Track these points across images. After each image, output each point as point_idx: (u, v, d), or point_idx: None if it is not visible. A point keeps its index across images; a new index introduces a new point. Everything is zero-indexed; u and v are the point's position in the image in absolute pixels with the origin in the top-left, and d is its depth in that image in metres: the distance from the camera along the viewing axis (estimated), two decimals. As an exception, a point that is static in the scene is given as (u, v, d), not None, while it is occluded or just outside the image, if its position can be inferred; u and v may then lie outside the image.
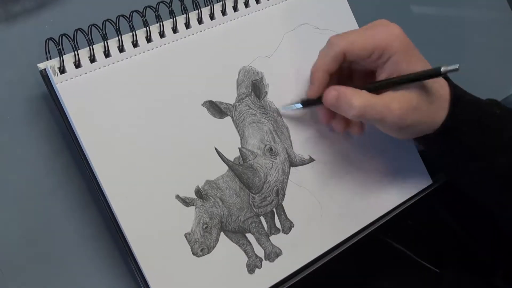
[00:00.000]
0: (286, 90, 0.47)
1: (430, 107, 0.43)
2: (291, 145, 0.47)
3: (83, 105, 0.40)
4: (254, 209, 0.45)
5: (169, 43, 0.43)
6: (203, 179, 0.43)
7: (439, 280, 0.56)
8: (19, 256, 0.41)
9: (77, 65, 0.40)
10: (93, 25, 0.40)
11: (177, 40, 0.44)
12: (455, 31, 0.64)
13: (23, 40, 0.43)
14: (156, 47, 0.43)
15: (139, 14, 0.42)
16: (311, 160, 0.48)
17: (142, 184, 0.41)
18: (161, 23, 0.43)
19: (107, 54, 0.41)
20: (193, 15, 0.44)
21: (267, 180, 0.45)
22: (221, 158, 0.44)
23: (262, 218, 0.45)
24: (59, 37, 0.39)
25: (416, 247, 0.56)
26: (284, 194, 0.46)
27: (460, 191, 0.50)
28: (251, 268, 0.44)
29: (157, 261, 0.41)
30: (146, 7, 0.42)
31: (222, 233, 0.44)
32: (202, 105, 0.44)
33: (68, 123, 0.40)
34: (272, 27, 0.48)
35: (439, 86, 0.43)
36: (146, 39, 0.42)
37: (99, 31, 0.40)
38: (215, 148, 0.44)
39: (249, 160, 0.45)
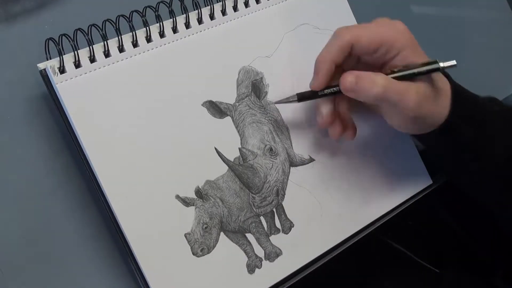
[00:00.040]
0: (286, 90, 0.47)
1: (437, 101, 0.43)
2: (291, 145, 0.47)
3: (83, 105, 0.40)
4: (254, 209, 0.45)
5: (169, 43, 0.43)
6: (203, 179, 0.43)
7: (439, 280, 0.56)
8: (19, 256, 0.41)
9: (77, 65, 0.40)
10: (93, 25, 0.40)
11: (177, 40, 0.44)
12: (455, 31, 0.64)
13: (23, 40, 0.43)
14: (156, 47, 0.43)
15: (139, 14, 0.42)
16: (311, 160, 0.48)
17: (142, 184, 0.41)
18: (161, 23, 0.43)
19: (107, 54, 0.41)
20: (193, 15, 0.44)
21: (267, 180, 0.45)
22: (221, 158, 0.44)
23: (262, 218, 0.45)
24: (59, 37, 0.39)
25: (416, 247, 0.56)
26: (284, 194, 0.46)
27: (460, 191, 0.50)
28: (251, 268, 0.44)
29: (157, 261, 0.41)
30: (146, 7, 0.42)
31: (222, 233, 0.44)
32: (202, 105, 0.44)
33: (68, 123, 0.40)
34: (272, 27, 0.48)
35: (443, 82, 0.44)
36: (146, 39, 0.42)
37: (99, 31, 0.40)
38: (215, 148, 0.44)
39: (249, 160, 0.45)
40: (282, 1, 0.48)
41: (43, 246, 0.41)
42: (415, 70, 0.42)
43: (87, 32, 0.40)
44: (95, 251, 0.43)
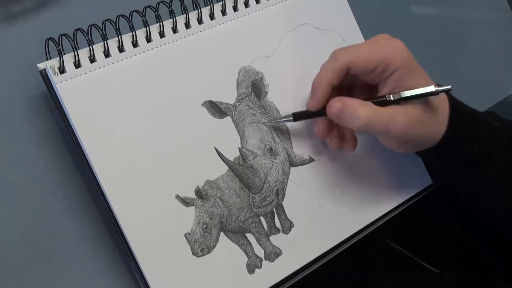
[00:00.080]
0: (286, 90, 0.47)
1: (432, 121, 0.43)
2: (291, 145, 0.47)
3: (83, 105, 0.40)
4: (254, 209, 0.45)
5: (169, 43, 0.43)
6: (203, 179, 0.43)
7: (439, 280, 0.56)
8: (19, 256, 0.41)
9: (77, 65, 0.40)
10: (93, 25, 0.40)
11: (177, 40, 0.44)
12: (455, 31, 0.64)
13: (23, 40, 0.43)
14: (156, 47, 0.43)
15: (139, 14, 0.42)
16: (311, 160, 0.48)
17: (142, 184, 0.41)
18: (161, 23, 0.43)
19: (107, 54, 0.41)
20: (193, 15, 0.44)
21: (267, 180, 0.45)
22: (221, 158, 0.44)
23: (262, 218, 0.45)
24: (59, 37, 0.39)
25: (416, 247, 0.56)
26: (284, 194, 0.46)
27: (460, 192, 0.50)
28: (251, 268, 0.44)
29: (157, 261, 0.41)
30: (146, 7, 0.42)
31: (222, 233, 0.44)
32: (202, 105, 0.44)
33: (68, 123, 0.40)
34: (272, 27, 0.48)
35: (440, 100, 0.44)
36: (146, 39, 0.42)
37: (99, 31, 0.40)
38: (215, 148, 0.44)
39: (249, 160, 0.45)
40: (282, 1, 0.48)
41: (43, 246, 0.41)
42: (408, 94, 0.42)
43: (87, 32, 0.40)
44: (95, 251, 0.43)
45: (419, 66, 0.43)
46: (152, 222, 0.41)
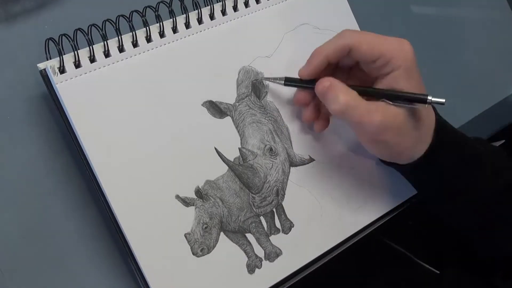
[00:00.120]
0: (286, 90, 0.47)
1: (413, 134, 0.42)
2: (291, 145, 0.47)
3: (83, 105, 0.40)
4: (254, 209, 0.45)
5: (169, 43, 0.43)
6: (203, 179, 0.43)
7: (439, 280, 0.56)
8: (19, 256, 0.41)
9: (77, 65, 0.40)
10: (93, 25, 0.40)
11: (177, 40, 0.43)
12: (455, 31, 0.64)
13: (23, 40, 0.43)
14: (156, 47, 0.43)
15: (139, 14, 0.42)
16: (311, 160, 0.48)
17: (142, 184, 0.41)
18: (161, 23, 0.43)
19: (107, 54, 0.41)
20: (193, 15, 0.44)
21: (267, 180, 0.45)
22: (221, 158, 0.44)
23: (262, 218, 0.45)
24: (59, 37, 0.39)
25: (416, 247, 0.56)
26: (284, 194, 0.46)
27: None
28: (251, 268, 0.44)
29: (157, 261, 0.41)
30: (146, 7, 0.42)
31: (222, 233, 0.44)
32: (202, 105, 0.44)
33: (68, 123, 0.40)
34: (272, 27, 0.48)
35: (427, 114, 0.43)
36: (146, 39, 0.42)
37: (99, 31, 0.40)
38: (215, 148, 0.44)
39: (249, 160, 0.45)
40: (282, 1, 0.48)
41: (43, 246, 0.41)
42: (401, 93, 0.41)
43: (87, 32, 0.40)
44: (95, 251, 0.43)
45: (419, 74, 0.43)
46: (152, 222, 0.41)
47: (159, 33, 0.43)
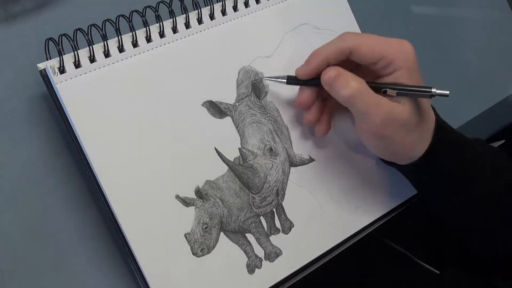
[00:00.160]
0: (286, 90, 0.47)
1: (416, 131, 0.43)
2: (291, 145, 0.47)
3: (83, 105, 0.40)
4: (254, 209, 0.45)
5: (169, 43, 0.43)
6: (203, 179, 0.43)
7: (439, 280, 0.56)
8: (19, 256, 0.41)
9: (77, 65, 0.40)
10: (93, 25, 0.40)
11: (177, 40, 0.43)
12: (455, 31, 0.64)
13: (23, 40, 0.43)
14: (156, 47, 0.43)
15: (139, 14, 0.42)
16: (311, 160, 0.48)
17: (142, 184, 0.41)
18: (161, 23, 0.43)
19: (107, 54, 0.41)
20: (193, 15, 0.44)
21: (267, 180, 0.45)
22: (221, 158, 0.44)
23: (262, 218, 0.45)
24: (59, 37, 0.39)
25: (416, 247, 0.56)
26: (284, 194, 0.46)
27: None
28: (251, 268, 0.44)
29: (157, 261, 0.41)
30: (146, 7, 0.42)
31: (222, 233, 0.44)
32: (202, 105, 0.44)
33: (68, 123, 0.40)
34: (272, 27, 0.48)
35: (428, 114, 0.44)
36: (146, 39, 0.42)
37: (99, 31, 0.40)
38: (215, 148, 0.44)
39: (249, 160, 0.45)
40: (282, 1, 0.48)
41: (43, 246, 0.41)
42: (407, 87, 0.41)
43: (87, 32, 0.40)
44: (95, 251, 0.43)
45: (419, 74, 0.43)
46: (152, 222, 0.41)
47: (159, 33, 0.43)
